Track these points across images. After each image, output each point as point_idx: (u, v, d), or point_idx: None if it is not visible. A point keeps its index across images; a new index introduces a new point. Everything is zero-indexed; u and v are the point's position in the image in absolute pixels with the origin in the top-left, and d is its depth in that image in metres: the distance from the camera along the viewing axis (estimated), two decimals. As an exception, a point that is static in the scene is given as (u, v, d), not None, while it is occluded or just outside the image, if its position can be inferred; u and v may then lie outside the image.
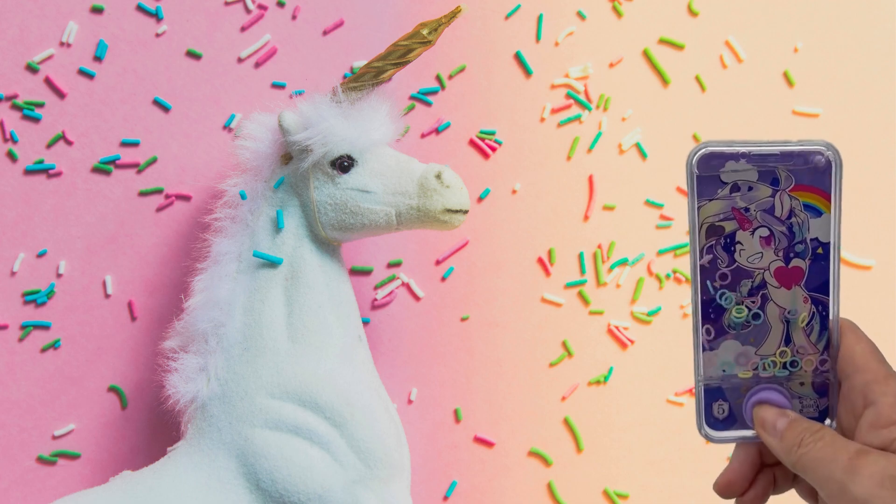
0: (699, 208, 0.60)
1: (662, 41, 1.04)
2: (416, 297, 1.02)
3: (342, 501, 0.85)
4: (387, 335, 1.01)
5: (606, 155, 1.04)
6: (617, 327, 1.03)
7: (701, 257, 0.60)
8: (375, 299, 1.01)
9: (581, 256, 1.03)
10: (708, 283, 0.60)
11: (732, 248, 0.60)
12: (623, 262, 1.03)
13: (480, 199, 1.03)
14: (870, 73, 1.05)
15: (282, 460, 0.85)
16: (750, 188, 0.59)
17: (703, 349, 0.61)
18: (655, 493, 1.02)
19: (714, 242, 0.60)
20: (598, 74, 1.04)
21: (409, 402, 1.01)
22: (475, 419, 1.02)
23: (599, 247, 1.03)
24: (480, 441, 1.02)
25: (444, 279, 1.02)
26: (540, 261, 1.03)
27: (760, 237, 0.60)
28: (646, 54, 1.04)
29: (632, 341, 1.03)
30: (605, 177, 1.04)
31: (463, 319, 1.02)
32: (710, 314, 0.61)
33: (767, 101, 1.04)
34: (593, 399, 1.03)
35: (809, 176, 0.59)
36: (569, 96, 1.03)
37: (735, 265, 0.60)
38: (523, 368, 1.02)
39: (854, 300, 1.04)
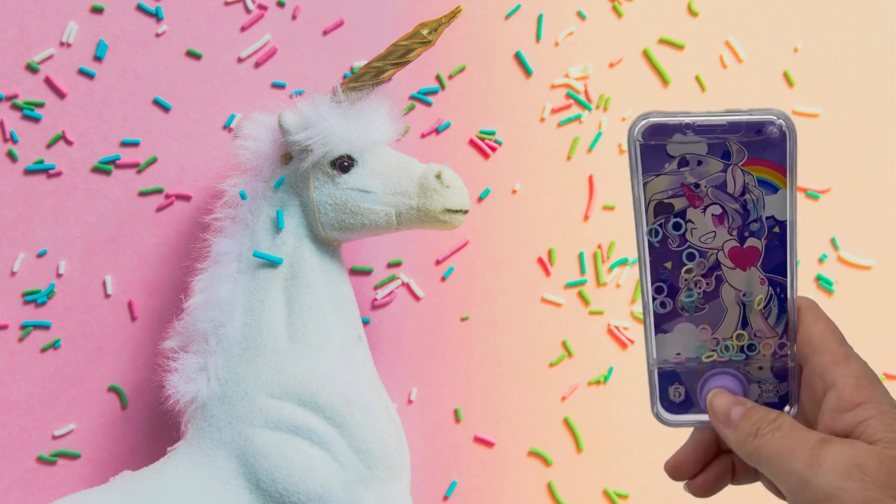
0: (645, 184, 0.56)
1: (662, 41, 1.04)
2: (416, 297, 1.02)
3: (342, 501, 0.85)
4: (387, 335, 1.01)
5: (606, 155, 1.04)
6: (617, 327, 1.03)
7: (649, 237, 0.57)
8: (375, 299, 1.01)
9: (581, 256, 1.03)
10: (657, 264, 0.57)
11: (683, 227, 0.57)
12: (623, 262, 1.03)
13: (480, 199, 1.03)
14: (870, 73, 1.05)
15: (282, 460, 0.85)
16: (699, 162, 0.56)
17: (656, 332, 0.58)
18: (655, 493, 1.02)
19: (663, 221, 0.57)
20: (598, 74, 1.04)
21: (409, 402, 1.01)
22: (475, 419, 1.02)
23: (599, 247, 1.03)
24: (480, 441, 1.02)
25: (444, 279, 1.02)
26: (540, 261, 1.03)
27: (713, 215, 0.57)
28: (646, 54, 1.04)
29: (632, 341, 1.03)
30: (605, 177, 1.04)
31: (463, 319, 1.02)
32: (662, 296, 0.58)
33: (767, 101, 1.04)
34: (593, 399, 1.03)
35: (762, 149, 0.55)
36: (569, 96, 1.03)
37: (686, 245, 0.57)
38: (523, 368, 1.02)
39: (854, 300, 1.04)
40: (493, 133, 1.02)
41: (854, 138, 1.05)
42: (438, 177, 0.86)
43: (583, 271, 1.03)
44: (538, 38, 1.03)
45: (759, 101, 1.04)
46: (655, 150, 0.56)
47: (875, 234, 1.05)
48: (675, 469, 0.60)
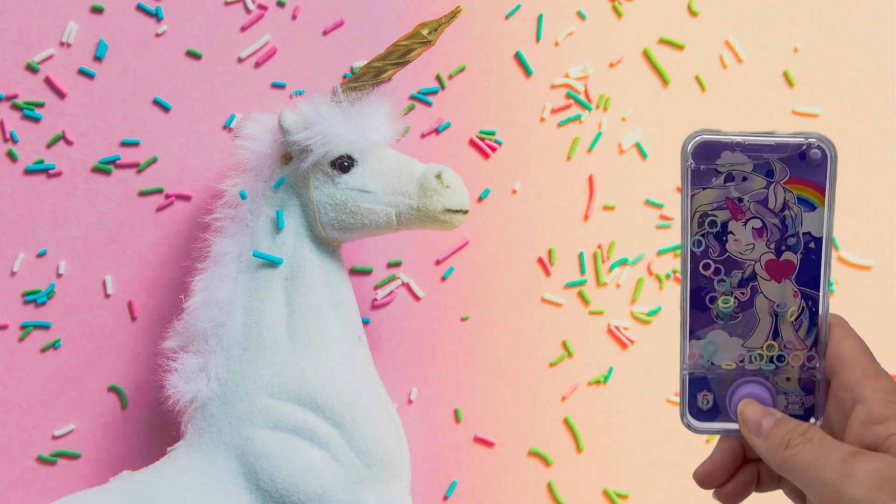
0: (692, 196, 0.60)
1: (662, 41, 1.04)
2: (416, 297, 1.02)
3: (342, 501, 0.85)
4: (387, 335, 1.01)
5: (606, 155, 1.04)
6: (617, 327, 1.03)
7: (692, 245, 0.60)
8: (375, 299, 1.01)
9: (581, 256, 1.03)
10: (697, 271, 0.60)
11: (724, 238, 0.60)
12: (623, 262, 1.03)
13: (480, 199, 1.03)
14: (870, 73, 1.05)
15: (282, 460, 0.85)
16: (744, 178, 0.59)
17: (690, 338, 0.61)
18: (655, 493, 1.02)
19: (706, 231, 0.60)
20: (598, 74, 1.04)
21: (409, 402, 1.01)
22: (475, 419, 1.02)
23: (599, 247, 1.03)
24: (480, 441, 1.02)
25: (444, 279, 1.02)
26: (540, 261, 1.03)
27: (753, 228, 0.60)
28: (646, 54, 1.04)
29: (632, 341, 1.03)
30: (605, 177, 1.04)
31: (463, 319, 1.02)
32: (699, 303, 0.60)
33: (767, 101, 1.04)
34: (593, 399, 1.03)
35: (804, 169, 0.59)
36: (569, 96, 1.03)
37: (726, 255, 0.60)
38: (523, 368, 1.02)
39: (854, 300, 1.04)
40: (493, 133, 1.02)
41: (854, 138, 1.05)
42: (438, 177, 0.86)
43: (583, 271, 1.03)
44: (538, 38, 1.03)
45: (759, 101, 1.04)
46: (705, 165, 0.59)
47: (875, 234, 1.05)
48: (705, 478, 0.62)
